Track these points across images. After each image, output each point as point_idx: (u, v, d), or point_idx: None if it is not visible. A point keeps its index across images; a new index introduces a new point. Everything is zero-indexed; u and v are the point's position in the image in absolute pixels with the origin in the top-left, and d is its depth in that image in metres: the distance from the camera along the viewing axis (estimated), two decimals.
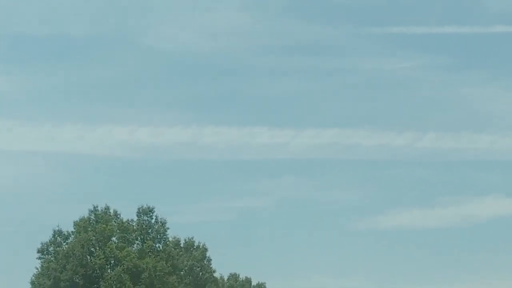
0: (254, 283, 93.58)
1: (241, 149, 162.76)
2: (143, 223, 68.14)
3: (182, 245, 78.75)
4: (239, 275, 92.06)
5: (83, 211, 68.26)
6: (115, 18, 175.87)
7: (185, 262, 76.50)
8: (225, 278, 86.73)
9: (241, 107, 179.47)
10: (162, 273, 64.29)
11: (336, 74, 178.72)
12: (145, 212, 68.59)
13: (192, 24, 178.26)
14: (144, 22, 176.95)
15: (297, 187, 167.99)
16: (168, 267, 65.88)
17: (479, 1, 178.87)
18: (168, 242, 69.01)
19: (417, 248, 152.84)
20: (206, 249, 79.75)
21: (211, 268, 78.70)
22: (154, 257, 65.44)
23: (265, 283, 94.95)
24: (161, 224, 68.33)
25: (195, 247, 79.50)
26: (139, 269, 63.32)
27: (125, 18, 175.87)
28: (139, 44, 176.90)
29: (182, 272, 74.00)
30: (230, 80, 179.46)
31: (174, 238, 76.82)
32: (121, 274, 62.06)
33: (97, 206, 67.77)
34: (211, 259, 79.45)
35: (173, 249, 69.62)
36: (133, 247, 66.73)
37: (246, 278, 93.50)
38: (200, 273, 77.51)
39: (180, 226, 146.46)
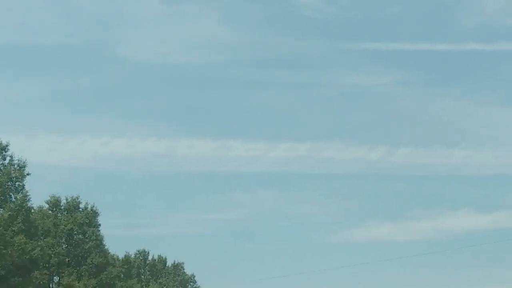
0: None
1: (215, 162, 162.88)
2: None
3: (63, 206, 63.42)
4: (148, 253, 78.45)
5: None
6: (91, 29, 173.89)
7: (63, 226, 61.20)
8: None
9: (216, 120, 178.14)
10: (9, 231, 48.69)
11: (311, 88, 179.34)
12: None
13: (169, 36, 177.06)
14: (121, 33, 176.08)
15: (271, 200, 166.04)
16: (19, 223, 50.22)
17: (453, 19, 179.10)
18: (25, 193, 52.30)
19: (390, 261, 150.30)
20: (96, 213, 64.54)
21: (99, 234, 63.31)
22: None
23: (183, 262, 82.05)
24: (18, 167, 52.11)
25: (80, 209, 64.04)
26: None
27: (102, 29, 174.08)
28: (114, 55, 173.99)
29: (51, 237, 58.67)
30: (205, 92, 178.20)
31: (52, 197, 62.17)
32: None
33: None
34: (99, 224, 64.35)
35: (29, 203, 52.59)
36: None
37: (160, 256, 80.00)
38: (83, 241, 62.09)
39: (153, 238, 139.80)
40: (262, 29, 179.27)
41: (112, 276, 62.08)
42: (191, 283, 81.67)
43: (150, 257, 80.00)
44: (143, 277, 78.39)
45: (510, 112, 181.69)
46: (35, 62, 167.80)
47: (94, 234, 62.80)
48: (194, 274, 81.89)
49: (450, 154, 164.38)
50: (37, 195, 60.26)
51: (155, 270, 79.22)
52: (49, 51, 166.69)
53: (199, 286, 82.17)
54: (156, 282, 76.55)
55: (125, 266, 67.23)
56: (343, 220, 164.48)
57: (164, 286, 77.81)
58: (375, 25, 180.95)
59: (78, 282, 58.99)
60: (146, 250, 79.56)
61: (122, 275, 65.06)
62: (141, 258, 78.82)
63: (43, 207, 61.49)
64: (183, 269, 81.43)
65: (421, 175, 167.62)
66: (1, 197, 50.89)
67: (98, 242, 62.86)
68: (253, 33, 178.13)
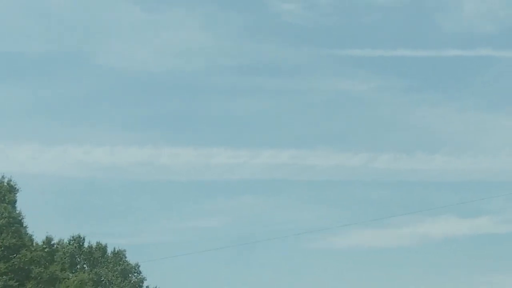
0: None
1: (198, 169, 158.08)
2: None
3: None
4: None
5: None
6: (71, 36, 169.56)
7: None
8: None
9: (198, 127, 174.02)
10: None
11: (293, 95, 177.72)
12: None
13: (150, 43, 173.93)
14: (102, 41, 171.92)
15: (254, 207, 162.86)
16: None
17: (434, 26, 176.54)
18: None
19: (371, 267, 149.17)
20: (14, 188, 55.64)
21: (14, 212, 54.41)
22: None
23: (125, 250, 73.35)
24: None
25: None
26: None
27: (82, 36, 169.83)
28: (95, 62, 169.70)
29: None
30: (188, 99, 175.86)
31: None
32: None
33: None
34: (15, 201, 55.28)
35: None
36: None
37: (98, 243, 71.37)
38: None
39: (137, 247, 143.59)
40: (243, 36, 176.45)
41: (26, 260, 53.12)
42: (135, 274, 72.64)
43: (86, 244, 71.00)
44: (78, 266, 69.38)
45: (490, 118, 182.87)
46: (14, 70, 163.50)
47: (7, 211, 53.76)
48: (139, 264, 72.96)
49: (431, 160, 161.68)
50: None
51: (92, 258, 70.28)
52: (28, 58, 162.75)
53: (144, 277, 73.18)
54: (92, 271, 67.52)
55: (46, 250, 58.01)
56: (325, 226, 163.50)
57: (102, 276, 68.94)
58: (355, 32, 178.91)
59: None
60: (82, 235, 70.60)
61: (43, 260, 55.71)
62: (75, 245, 69.64)
63: None
64: (125, 258, 72.43)
65: (403, 181, 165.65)
66: None
67: (11, 220, 53.80)
68: (234, 40, 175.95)
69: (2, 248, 52.95)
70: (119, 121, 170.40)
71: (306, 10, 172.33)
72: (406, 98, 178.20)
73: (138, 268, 73.21)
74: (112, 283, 70.22)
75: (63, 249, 67.61)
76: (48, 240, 61.46)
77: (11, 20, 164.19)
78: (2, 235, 53.25)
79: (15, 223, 54.70)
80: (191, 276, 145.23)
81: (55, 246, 63.34)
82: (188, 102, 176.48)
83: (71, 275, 63.54)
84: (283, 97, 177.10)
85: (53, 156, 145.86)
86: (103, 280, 70.34)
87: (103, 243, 72.09)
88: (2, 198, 54.71)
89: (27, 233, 56.68)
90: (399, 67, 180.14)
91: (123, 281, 70.78)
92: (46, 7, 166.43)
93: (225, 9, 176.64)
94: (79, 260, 70.57)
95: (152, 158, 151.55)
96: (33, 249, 55.33)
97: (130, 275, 71.87)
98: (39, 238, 59.95)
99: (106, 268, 70.03)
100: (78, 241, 70.42)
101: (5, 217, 53.61)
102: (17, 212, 55.64)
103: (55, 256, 60.48)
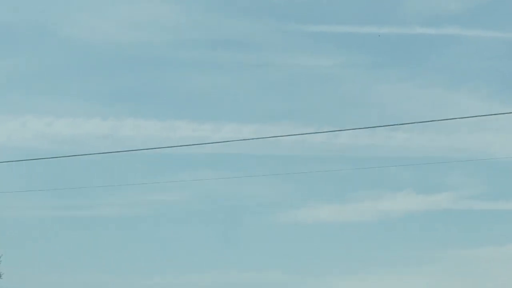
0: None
1: (160, 142, 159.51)
2: None
3: None
4: None
5: None
6: (32, 6, 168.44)
7: None
8: None
9: (161, 100, 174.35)
10: None
11: (257, 70, 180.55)
12: None
13: (114, 14, 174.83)
14: (63, 11, 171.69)
15: (216, 182, 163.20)
16: None
17: (399, 3, 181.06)
18: None
19: (333, 242, 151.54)
20: None
21: None
22: None
23: None
24: None
25: None
26: None
27: (44, 6, 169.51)
28: (57, 33, 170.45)
29: None
30: (151, 72, 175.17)
31: None
32: None
33: None
34: None
35: None
36: None
37: None
38: None
39: (96, 219, 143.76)
40: (208, 9, 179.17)
41: None
42: None
43: None
44: None
45: (453, 95, 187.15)
46: None
47: None
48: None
49: (392, 136, 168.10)
50: None
51: None
52: None
53: None
54: None
55: None
56: (287, 201, 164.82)
57: None
58: (320, 7, 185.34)
59: None
60: None
61: None
62: None
63: None
64: None
65: (363, 157, 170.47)
66: None
67: None
68: (199, 13, 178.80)
69: None
70: (82, 93, 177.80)
71: None
72: (369, 74, 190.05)
73: None
74: None
75: None
76: None
77: None
78: None
79: None
80: (154, 251, 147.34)
81: None
82: (152, 75, 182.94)
83: None
84: (247, 72, 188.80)
85: (12, 127, 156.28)
86: None
87: None
88: None
89: None
90: (364, 43, 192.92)
91: None
92: None
93: None
94: None
95: (114, 131, 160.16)
96: None
97: None
98: None
99: None
100: None
101: None
102: None
103: None
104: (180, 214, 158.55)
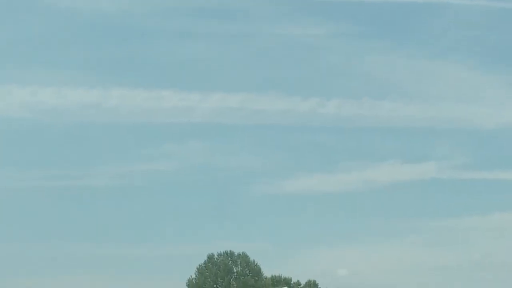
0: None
1: (147, 112, 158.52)
2: None
3: None
4: None
5: None
6: None
7: None
8: None
9: (148, 70, 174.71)
10: None
11: (244, 39, 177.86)
12: None
13: None
14: None
15: (202, 152, 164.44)
16: None
17: None
18: None
19: (319, 212, 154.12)
20: None
21: None
22: None
23: None
24: None
25: None
26: None
27: None
28: (42, 3, 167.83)
29: None
30: (137, 42, 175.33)
31: None
32: None
33: None
34: None
35: None
36: None
37: None
38: None
39: (84, 189, 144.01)
40: None
41: None
42: None
43: None
44: None
45: (439, 65, 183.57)
46: None
47: None
48: None
49: (378, 106, 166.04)
50: None
51: None
52: None
53: None
54: None
55: None
56: (274, 171, 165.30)
57: None
58: None
59: None
60: None
61: None
62: None
63: None
64: None
65: (350, 127, 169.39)
66: None
67: None
68: None
69: None
70: (67, 62, 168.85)
71: None
72: (356, 44, 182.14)
73: None
74: None
75: None
76: None
77: None
78: None
79: None
80: (141, 221, 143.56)
81: None
82: (138, 44, 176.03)
83: None
84: (234, 41, 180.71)
85: None
86: None
87: None
88: None
89: None
90: (351, 14, 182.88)
91: None
92: None
93: None
94: None
95: (100, 100, 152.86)
96: None
97: None
98: None
99: None
100: None
101: None
102: None
103: None
104: (168, 185, 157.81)
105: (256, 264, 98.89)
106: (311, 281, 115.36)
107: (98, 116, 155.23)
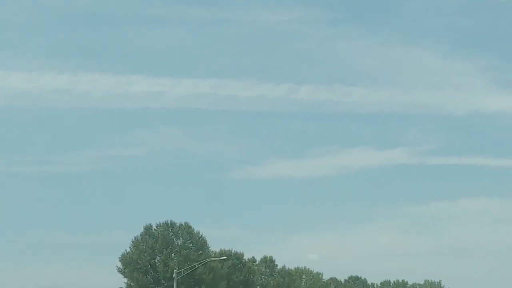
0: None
1: (117, 97, 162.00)
2: None
3: None
4: None
5: None
6: None
7: None
8: None
9: (118, 55, 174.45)
10: None
11: (216, 25, 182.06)
12: None
13: None
14: None
15: (174, 137, 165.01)
16: None
17: None
18: None
19: (292, 197, 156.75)
20: None
21: None
22: None
23: None
24: None
25: None
26: None
27: None
28: None
29: None
30: (108, 27, 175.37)
31: None
32: None
33: None
34: None
35: None
36: None
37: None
38: None
39: (53, 175, 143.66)
40: None
41: None
42: None
43: None
44: None
45: (410, 51, 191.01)
46: None
47: None
48: None
49: (350, 92, 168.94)
50: None
51: None
52: None
53: None
54: None
55: None
56: (246, 157, 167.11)
57: None
58: None
59: None
60: None
61: None
62: None
63: None
64: None
65: (322, 113, 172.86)
66: None
67: None
68: None
69: None
70: (37, 47, 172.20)
71: None
72: (328, 30, 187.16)
73: None
74: None
75: None
76: None
77: None
78: None
79: None
80: (112, 207, 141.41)
81: None
82: (109, 30, 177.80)
83: None
84: (206, 27, 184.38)
85: None
86: None
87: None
88: None
89: None
90: None
91: None
92: None
93: None
94: None
95: (70, 85, 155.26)
96: None
97: None
98: None
99: None
100: None
101: None
102: None
103: None
104: (140, 171, 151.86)
105: (201, 236, 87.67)
106: (267, 257, 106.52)
107: (69, 102, 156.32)
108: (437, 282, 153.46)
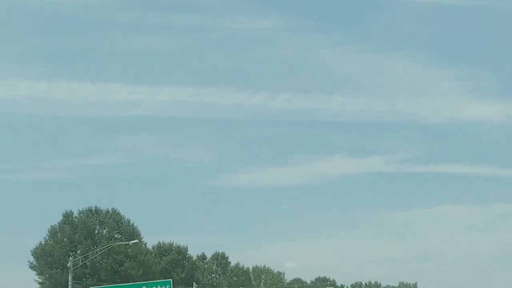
0: None
1: (95, 105, 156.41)
2: None
3: None
4: None
5: None
6: None
7: None
8: None
9: (97, 63, 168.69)
10: None
11: (195, 32, 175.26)
12: None
13: None
14: None
15: (153, 145, 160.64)
16: None
17: None
18: None
19: (269, 205, 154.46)
20: None
21: None
22: None
23: None
24: None
25: None
26: None
27: None
28: None
29: None
30: (86, 34, 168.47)
31: None
32: None
33: None
34: None
35: None
36: None
37: None
38: None
39: (32, 184, 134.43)
40: None
41: None
42: None
43: None
44: None
45: (389, 59, 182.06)
46: None
47: None
48: None
49: (328, 100, 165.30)
50: None
51: None
52: None
53: None
54: None
55: None
56: (224, 165, 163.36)
57: None
58: None
59: None
60: None
61: None
62: None
63: None
64: None
65: (300, 121, 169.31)
66: None
67: None
68: None
69: None
70: (13, 54, 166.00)
71: None
72: (308, 37, 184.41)
73: None
74: None
75: None
76: None
77: None
78: None
79: None
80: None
81: None
82: (86, 36, 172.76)
83: None
84: (184, 34, 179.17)
85: None
86: None
87: None
88: None
89: None
90: (304, 7, 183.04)
91: None
92: None
93: None
94: None
95: (48, 93, 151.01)
96: None
97: None
98: None
99: None
100: None
101: None
102: None
103: None
104: (117, 178, 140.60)
105: (132, 224, 73.00)
106: (218, 253, 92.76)
107: (46, 109, 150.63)
108: (412, 284, 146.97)
